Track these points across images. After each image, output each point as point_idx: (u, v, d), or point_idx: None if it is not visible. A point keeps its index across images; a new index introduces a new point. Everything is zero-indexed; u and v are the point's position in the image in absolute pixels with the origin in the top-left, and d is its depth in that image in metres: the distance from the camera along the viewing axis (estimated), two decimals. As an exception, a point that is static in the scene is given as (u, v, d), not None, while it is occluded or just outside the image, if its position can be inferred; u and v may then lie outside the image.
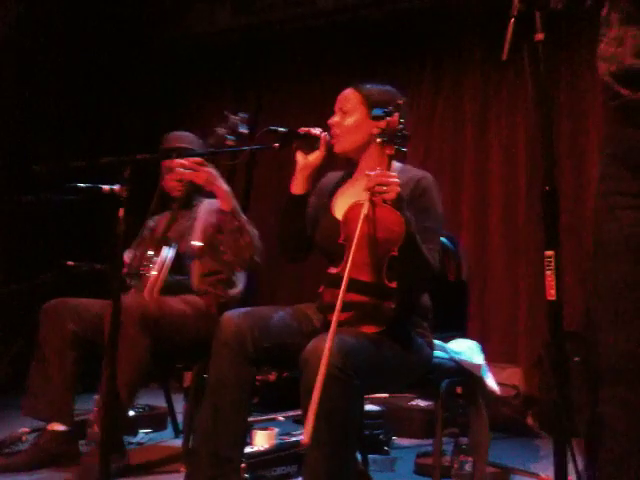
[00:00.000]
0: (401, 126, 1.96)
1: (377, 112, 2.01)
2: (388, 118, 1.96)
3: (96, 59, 4.84)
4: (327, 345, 1.66)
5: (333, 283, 1.96)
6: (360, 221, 1.86)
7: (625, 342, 1.53)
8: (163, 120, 4.84)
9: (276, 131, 2.20)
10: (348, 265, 1.80)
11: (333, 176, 2.39)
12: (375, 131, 2.20)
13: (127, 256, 2.82)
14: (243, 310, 2.14)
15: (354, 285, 1.88)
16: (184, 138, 3.04)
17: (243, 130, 2.40)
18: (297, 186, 2.22)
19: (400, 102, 2.01)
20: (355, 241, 1.84)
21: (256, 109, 4.99)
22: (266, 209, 4.36)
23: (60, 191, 2.34)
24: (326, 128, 2.25)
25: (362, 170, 2.26)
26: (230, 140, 2.36)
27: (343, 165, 2.39)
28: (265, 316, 2.11)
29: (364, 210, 1.89)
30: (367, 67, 4.62)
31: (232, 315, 2.08)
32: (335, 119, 2.24)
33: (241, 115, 2.46)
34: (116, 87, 4.91)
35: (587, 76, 4.01)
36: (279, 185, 4.80)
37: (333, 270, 2.01)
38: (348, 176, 2.34)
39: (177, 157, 2.64)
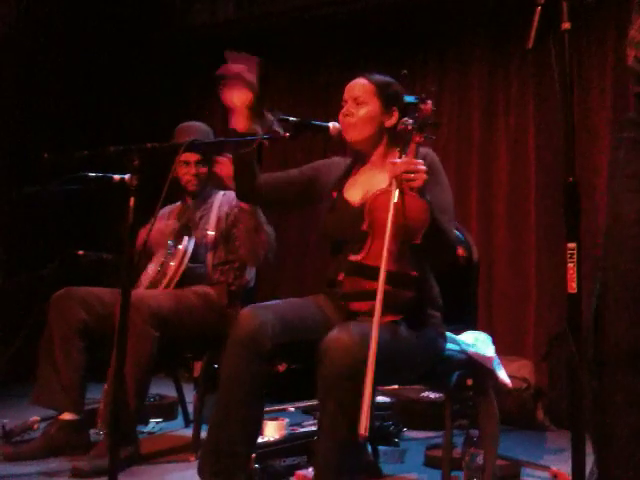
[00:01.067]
0: (433, 114, 1.95)
1: (409, 99, 2.00)
2: (421, 105, 1.95)
3: (96, 56, 4.84)
4: (374, 339, 1.65)
5: (355, 271, 1.95)
6: (391, 211, 1.85)
7: (629, 328, 1.51)
8: (164, 115, 4.83)
9: (287, 120, 2.18)
10: (384, 255, 1.78)
11: (341, 162, 2.37)
12: (389, 123, 2.20)
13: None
14: (261, 306, 2.08)
15: (377, 274, 1.83)
16: (196, 130, 3.03)
17: (278, 129, 2.31)
18: (240, 123, 2.17)
19: (433, 89, 2.00)
20: (388, 232, 1.82)
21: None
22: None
23: (69, 181, 2.34)
24: (329, 119, 2.25)
25: (375, 162, 2.25)
26: (265, 140, 2.31)
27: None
28: (284, 312, 2.07)
29: (394, 199, 1.87)
30: (370, 59, 4.58)
31: (252, 312, 2.03)
32: (349, 109, 2.22)
33: (276, 114, 2.35)
34: (116, 84, 4.90)
35: (594, 71, 3.99)
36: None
37: (354, 257, 1.98)
38: (359, 164, 2.31)
39: (188, 148, 2.64)
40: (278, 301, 2.18)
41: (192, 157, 2.99)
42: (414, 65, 4.56)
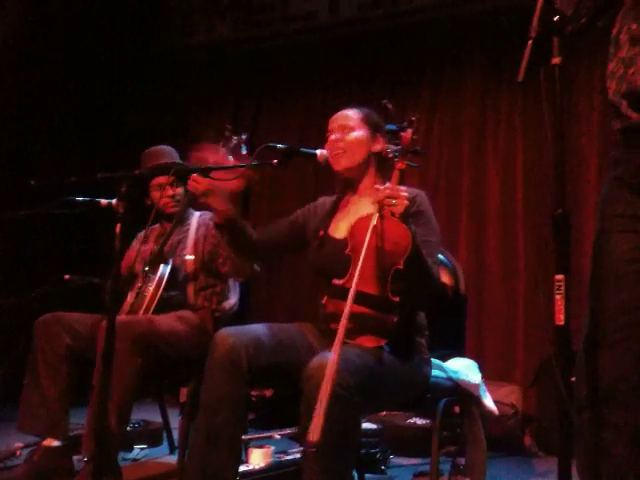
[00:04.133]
0: (414, 142, 2.00)
1: (391, 127, 2.04)
2: (402, 133, 2.00)
3: (95, 70, 4.84)
4: (334, 357, 1.66)
5: (337, 294, 1.97)
6: (369, 233, 1.89)
7: (620, 365, 1.52)
8: (161, 132, 4.83)
9: (275, 147, 2.20)
10: (356, 276, 1.82)
11: (326, 201, 2.41)
12: (376, 149, 2.23)
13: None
14: (237, 328, 2.13)
15: (358, 296, 1.87)
16: (162, 153, 3.01)
17: (244, 152, 2.35)
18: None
19: (413, 119, 2.04)
20: (363, 252, 1.85)
21: (253, 122, 5.03)
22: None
23: (58, 204, 2.34)
24: (323, 141, 2.27)
25: (363, 190, 2.27)
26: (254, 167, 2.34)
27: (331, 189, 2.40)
28: (259, 334, 2.10)
29: (373, 222, 1.91)
30: (364, 81, 4.64)
31: (226, 334, 2.06)
32: (337, 136, 2.24)
33: (243, 136, 2.41)
34: (115, 99, 4.92)
35: (581, 101, 4.02)
36: (273, 200, 4.85)
37: (338, 282, 2.01)
38: (345, 198, 2.34)
39: (174, 173, 2.63)
40: (257, 325, 2.19)
41: (165, 179, 2.93)
42: (408, 86, 4.60)
